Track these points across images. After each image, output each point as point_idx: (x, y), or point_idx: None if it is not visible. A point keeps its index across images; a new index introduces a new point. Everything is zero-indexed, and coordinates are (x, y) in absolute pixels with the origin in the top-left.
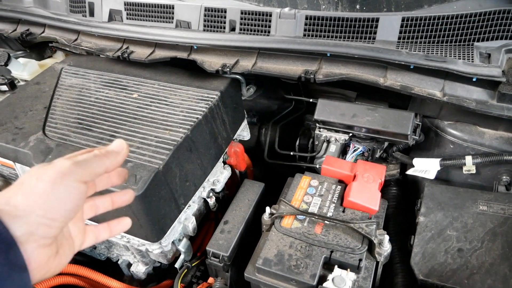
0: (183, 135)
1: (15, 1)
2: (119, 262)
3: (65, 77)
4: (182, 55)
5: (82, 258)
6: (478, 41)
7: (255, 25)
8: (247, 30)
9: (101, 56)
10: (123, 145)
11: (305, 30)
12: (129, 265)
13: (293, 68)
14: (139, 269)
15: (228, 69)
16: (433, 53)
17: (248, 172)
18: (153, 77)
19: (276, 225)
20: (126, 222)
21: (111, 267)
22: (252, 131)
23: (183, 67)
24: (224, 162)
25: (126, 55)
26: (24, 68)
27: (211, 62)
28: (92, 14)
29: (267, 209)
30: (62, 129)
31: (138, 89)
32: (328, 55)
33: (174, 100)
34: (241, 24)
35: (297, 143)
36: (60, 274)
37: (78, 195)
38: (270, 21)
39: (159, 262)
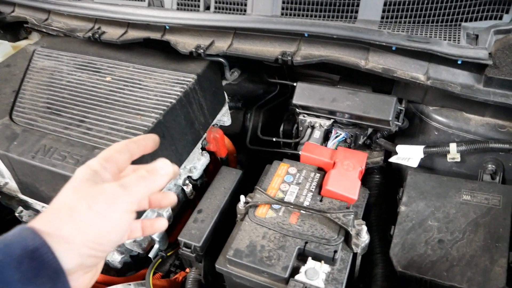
0: (155, 120)
1: None
2: None
3: (37, 59)
4: (156, 35)
5: None
6: (465, 21)
7: (230, 3)
8: (223, 8)
9: (74, 37)
10: (168, 166)
11: (282, 8)
12: None
13: (270, 50)
14: (115, 258)
15: (202, 51)
16: (417, 34)
17: (231, 158)
18: (128, 60)
19: (250, 215)
20: (161, 223)
21: None
22: (237, 116)
23: (160, 49)
24: (203, 148)
25: (98, 35)
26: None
27: (185, 43)
28: None
29: (242, 197)
30: (30, 113)
31: (112, 72)
32: (306, 35)
33: (149, 83)
34: (216, 2)
35: (281, 128)
36: None
37: (127, 223)
38: None
39: (135, 251)
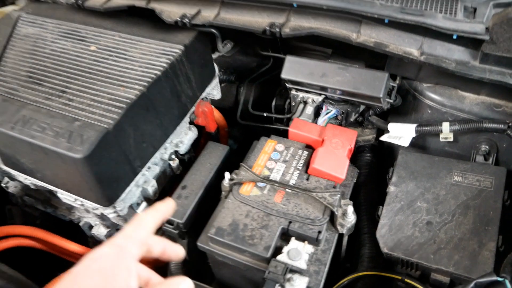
0: (139, 93)
1: None
2: (80, 224)
3: (21, 26)
4: (140, 3)
5: (47, 220)
6: None
7: None
8: None
9: (59, 3)
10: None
11: None
12: (91, 227)
13: (258, 20)
14: (101, 231)
15: (187, 20)
16: (412, 6)
17: (223, 133)
18: (114, 28)
19: (233, 192)
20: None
21: (77, 228)
22: (230, 89)
23: (149, 18)
24: (192, 123)
25: (81, 1)
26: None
27: (171, 12)
28: None
29: (227, 174)
30: (11, 82)
31: (97, 41)
32: (295, 5)
33: (134, 54)
34: None
35: (273, 103)
36: (17, 236)
37: None
38: None
39: (118, 226)
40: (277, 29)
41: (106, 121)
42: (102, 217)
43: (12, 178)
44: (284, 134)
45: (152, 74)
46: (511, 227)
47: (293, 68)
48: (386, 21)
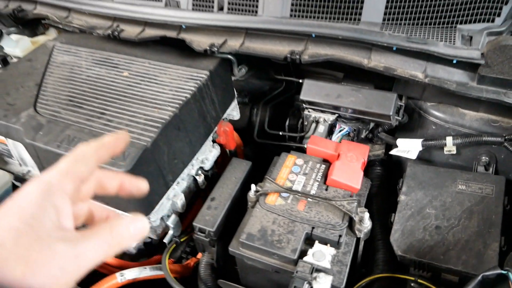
0: (172, 113)
1: None
2: None
3: (56, 54)
4: (172, 34)
5: None
6: (461, 23)
7: (243, 5)
8: (235, 10)
9: (93, 34)
10: (143, 231)
11: (291, 10)
12: None
13: (280, 49)
14: None
15: (216, 49)
16: (416, 35)
17: (239, 151)
18: (144, 56)
19: (260, 202)
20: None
21: None
22: (243, 111)
23: (174, 46)
24: (214, 141)
25: (117, 33)
26: (16, 45)
27: (200, 41)
28: None
29: (253, 186)
30: (53, 106)
31: (129, 68)
32: (313, 36)
33: (164, 79)
34: (229, 3)
35: (287, 123)
36: None
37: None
38: (257, 1)
39: (149, 237)
40: (297, 56)
41: (145, 139)
42: None
43: None
44: (296, 151)
45: (182, 97)
46: None
47: (311, 90)
48: (394, 48)
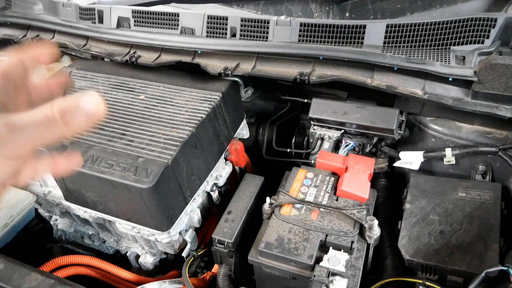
0: (189, 133)
1: (26, 9)
2: (127, 254)
3: (74, 80)
4: (187, 59)
5: (90, 252)
6: (454, 45)
7: (254, 32)
8: (247, 36)
9: (105, 60)
10: (98, 108)
11: (299, 36)
12: (137, 256)
13: (289, 71)
14: (147, 260)
15: (229, 72)
16: (414, 56)
17: (247, 169)
18: (158, 80)
19: (276, 213)
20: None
21: (118, 260)
22: (250, 130)
23: (185, 69)
24: (226, 159)
25: (134, 59)
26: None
27: (214, 65)
28: (101, 21)
29: (267, 199)
30: None
31: (145, 91)
32: (321, 58)
33: (179, 101)
34: (241, 30)
35: (293, 141)
36: (73, 265)
37: (6, 171)
38: (268, 27)
39: (165, 253)
40: (306, 77)
41: (165, 157)
42: (151, 245)
43: (63, 215)
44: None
45: (198, 117)
46: (510, 231)
47: (319, 108)
48: (395, 68)
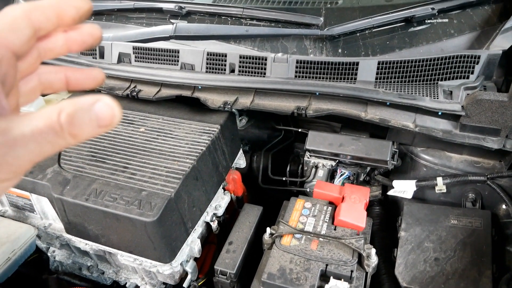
0: (190, 165)
1: None
2: (127, 285)
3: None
4: (187, 93)
5: (86, 283)
6: (441, 80)
7: (252, 68)
8: (245, 72)
9: (102, 92)
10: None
11: (296, 72)
12: (137, 287)
13: (287, 105)
14: None
15: (229, 106)
16: (405, 91)
17: (244, 197)
18: (157, 112)
19: (276, 244)
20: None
21: None
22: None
23: (183, 101)
24: (224, 188)
25: (135, 93)
26: (31, 104)
27: (213, 99)
28: (102, 56)
29: (268, 229)
30: (77, 161)
31: (144, 124)
32: (317, 94)
33: (179, 133)
34: (240, 66)
35: (288, 169)
36: None
37: None
38: (265, 64)
39: (164, 283)
40: (303, 111)
41: (168, 190)
42: (151, 276)
43: (62, 246)
44: (297, 195)
45: (198, 150)
46: (501, 256)
47: (315, 141)
48: (388, 103)
